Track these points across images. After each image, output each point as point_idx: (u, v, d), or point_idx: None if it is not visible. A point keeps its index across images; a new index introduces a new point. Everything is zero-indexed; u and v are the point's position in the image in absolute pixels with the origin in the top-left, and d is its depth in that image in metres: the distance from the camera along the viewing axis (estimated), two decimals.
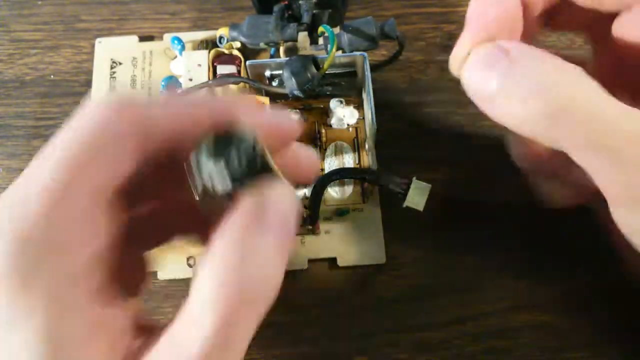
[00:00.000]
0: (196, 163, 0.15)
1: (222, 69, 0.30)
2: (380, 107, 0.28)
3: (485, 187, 0.28)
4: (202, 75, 0.30)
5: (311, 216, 0.26)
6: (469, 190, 0.28)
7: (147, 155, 0.16)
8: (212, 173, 0.15)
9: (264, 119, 0.17)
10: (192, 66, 0.30)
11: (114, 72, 0.31)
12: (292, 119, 0.19)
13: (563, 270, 0.27)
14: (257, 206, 0.15)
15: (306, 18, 0.29)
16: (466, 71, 0.18)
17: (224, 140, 0.15)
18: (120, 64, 0.31)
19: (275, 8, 0.29)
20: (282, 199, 0.15)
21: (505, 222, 0.27)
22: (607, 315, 0.26)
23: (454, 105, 0.31)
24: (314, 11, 0.29)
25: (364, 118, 0.30)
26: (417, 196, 0.25)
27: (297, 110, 0.30)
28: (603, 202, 0.18)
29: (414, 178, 0.25)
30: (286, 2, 0.29)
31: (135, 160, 0.15)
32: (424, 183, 0.25)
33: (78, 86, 0.32)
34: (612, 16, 0.19)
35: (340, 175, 0.27)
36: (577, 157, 0.17)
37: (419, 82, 0.31)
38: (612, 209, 0.18)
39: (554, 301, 0.26)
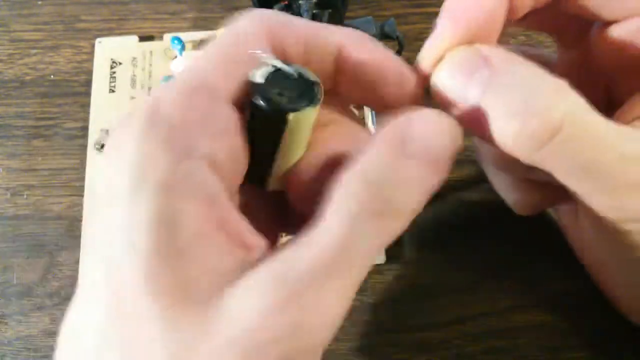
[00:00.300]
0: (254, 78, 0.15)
1: None
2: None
3: (485, 186, 0.28)
4: None
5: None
6: (469, 189, 0.28)
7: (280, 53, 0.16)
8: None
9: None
10: None
11: (114, 72, 0.31)
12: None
13: (563, 270, 0.26)
14: (403, 128, 0.15)
15: (306, 18, 0.29)
16: (439, 76, 0.17)
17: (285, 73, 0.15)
18: (120, 63, 0.31)
19: (275, 8, 0.29)
20: (430, 127, 0.15)
21: (505, 221, 0.27)
22: (607, 315, 0.26)
23: None
24: (314, 11, 0.29)
25: (364, 118, 0.30)
26: None
27: None
28: (566, 207, 0.18)
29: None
30: (286, 2, 0.29)
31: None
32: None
33: (78, 86, 0.32)
34: (591, 24, 0.18)
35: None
36: (564, 179, 0.16)
37: None
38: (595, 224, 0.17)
39: (553, 301, 0.26)
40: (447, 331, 0.26)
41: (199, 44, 0.32)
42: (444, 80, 0.16)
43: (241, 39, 0.16)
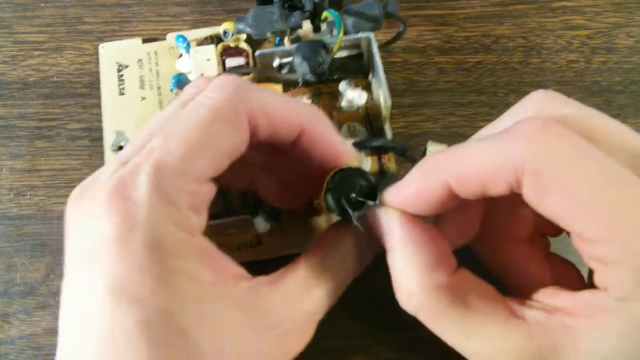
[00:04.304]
0: (325, 197, 0.21)
1: (231, 62, 0.31)
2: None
3: None
4: (212, 69, 0.30)
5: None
6: None
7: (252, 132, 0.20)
8: (335, 208, 0.21)
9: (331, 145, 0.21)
10: (201, 62, 0.30)
11: (122, 75, 0.31)
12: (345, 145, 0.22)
13: None
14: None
15: (308, 6, 0.29)
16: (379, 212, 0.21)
17: (343, 181, 0.21)
18: (126, 66, 0.32)
19: None
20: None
21: None
22: None
23: (452, 106, 0.31)
24: None
25: (372, 98, 0.30)
26: None
27: (308, 97, 0.31)
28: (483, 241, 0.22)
29: (429, 142, 0.26)
30: None
31: (248, 136, 0.19)
32: (440, 145, 0.26)
33: (81, 87, 0.32)
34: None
35: (360, 146, 0.27)
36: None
37: (417, 84, 0.32)
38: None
39: None
40: None
41: (203, 41, 0.32)
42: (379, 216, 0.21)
43: (223, 121, 0.19)
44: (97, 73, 0.32)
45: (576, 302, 0.18)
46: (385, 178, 0.28)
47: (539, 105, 0.20)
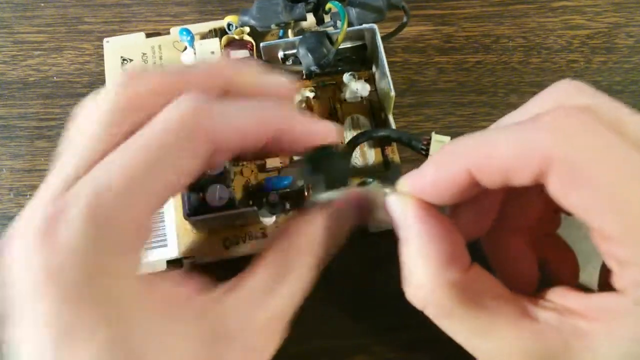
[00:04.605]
0: (301, 173, 0.20)
1: (235, 54, 0.31)
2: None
3: None
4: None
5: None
6: None
7: (215, 153, 0.18)
8: (312, 185, 0.20)
9: (307, 128, 0.20)
10: (205, 54, 0.31)
11: (126, 69, 0.31)
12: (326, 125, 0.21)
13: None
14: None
15: None
16: (391, 200, 0.20)
17: (320, 157, 0.20)
18: (130, 60, 0.32)
19: None
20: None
21: None
22: None
23: (452, 106, 0.31)
24: None
25: (376, 90, 0.30)
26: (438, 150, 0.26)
27: (312, 89, 0.31)
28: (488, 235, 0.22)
29: (433, 132, 0.26)
30: None
31: (204, 162, 0.18)
32: (443, 136, 0.26)
33: (81, 87, 0.32)
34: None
35: (366, 137, 0.28)
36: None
37: (417, 84, 0.32)
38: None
39: None
40: (440, 330, 0.26)
41: (207, 34, 0.32)
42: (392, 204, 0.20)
43: (173, 148, 0.17)
44: (97, 73, 0.32)
45: (590, 305, 0.18)
46: (390, 169, 0.29)
47: (565, 94, 0.19)
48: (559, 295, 0.19)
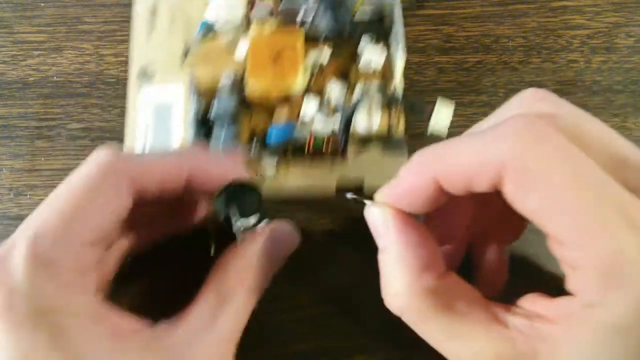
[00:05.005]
0: (219, 204, 0.22)
1: (260, 7, 0.32)
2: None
3: None
4: (239, 15, 0.32)
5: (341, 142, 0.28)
6: None
7: (140, 194, 0.21)
8: (230, 214, 0.22)
9: (220, 170, 0.23)
10: (230, 7, 0.32)
11: (154, 13, 0.33)
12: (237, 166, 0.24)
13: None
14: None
15: None
16: (370, 211, 0.21)
17: (234, 191, 0.22)
18: (158, 8, 0.33)
19: None
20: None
21: None
22: None
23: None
24: None
25: (389, 61, 0.31)
26: (441, 115, 0.27)
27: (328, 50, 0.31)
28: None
29: (439, 97, 0.26)
30: None
31: (129, 200, 0.21)
32: (449, 101, 0.26)
33: (81, 87, 0.32)
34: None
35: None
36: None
37: (417, 84, 0.32)
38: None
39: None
40: None
41: None
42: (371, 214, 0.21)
43: (98, 190, 0.20)
44: (97, 73, 0.32)
45: (552, 309, 0.18)
46: (391, 142, 0.29)
47: (528, 103, 0.20)
48: (530, 302, 0.19)
